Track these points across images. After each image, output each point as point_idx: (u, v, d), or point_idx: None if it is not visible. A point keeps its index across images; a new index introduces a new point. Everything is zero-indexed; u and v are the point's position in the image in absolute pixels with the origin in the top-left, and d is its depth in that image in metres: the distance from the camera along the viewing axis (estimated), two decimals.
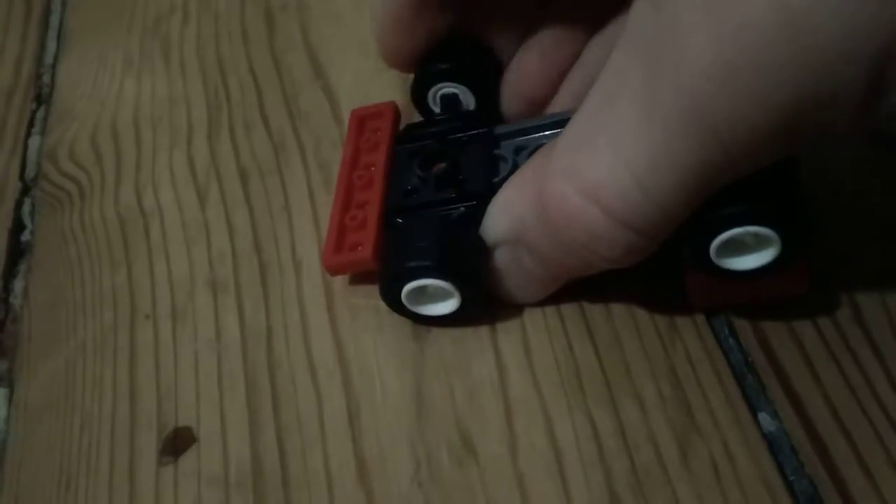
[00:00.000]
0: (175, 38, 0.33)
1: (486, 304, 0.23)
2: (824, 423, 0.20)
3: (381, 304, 0.24)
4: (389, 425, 0.22)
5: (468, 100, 0.25)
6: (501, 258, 0.22)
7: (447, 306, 0.22)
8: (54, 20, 0.36)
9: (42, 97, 0.33)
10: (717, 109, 0.16)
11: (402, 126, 0.26)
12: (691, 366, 0.22)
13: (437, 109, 0.26)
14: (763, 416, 0.21)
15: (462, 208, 0.22)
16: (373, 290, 0.23)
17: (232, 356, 0.24)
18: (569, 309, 0.23)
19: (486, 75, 0.25)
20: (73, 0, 0.36)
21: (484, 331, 0.23)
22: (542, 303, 0.23)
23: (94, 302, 0.26)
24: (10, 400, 0.24)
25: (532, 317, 0.23)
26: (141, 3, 0.35)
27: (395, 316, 0.24)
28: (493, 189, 0.22)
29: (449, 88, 0.25)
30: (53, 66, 0.34)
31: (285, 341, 0.24)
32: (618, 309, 0.23)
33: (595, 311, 0.23)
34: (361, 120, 0.26)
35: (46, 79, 0.33)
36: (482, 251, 0.22)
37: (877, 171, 0.24)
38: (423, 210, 0.23)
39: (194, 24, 0.34)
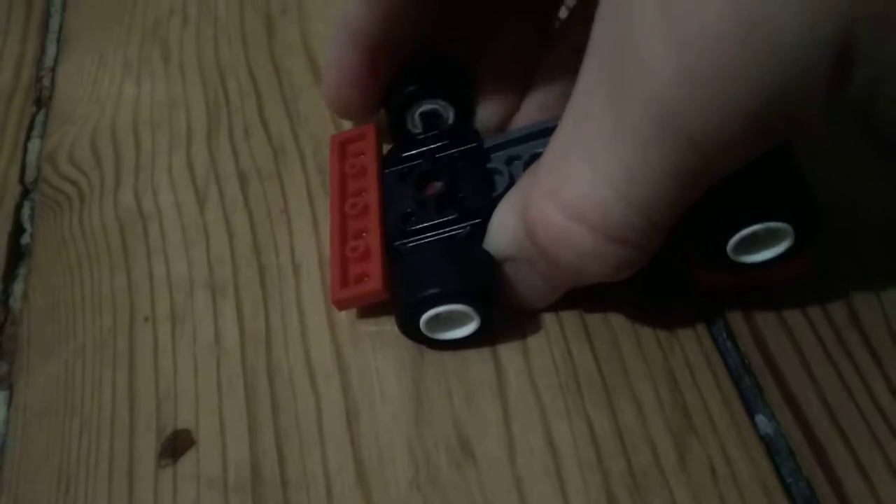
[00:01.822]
0: (174, 42, 0.33)
1: (502, 322, 0.22)
2: (821, 425, 0.20)
3: (380, 307, 0.24)
4: (388, 428, 0.22)
5: (448, 114, 0.25)
6: (507, 271, 0.22)
7: (467, 329, 0.22)
8: (54, 23, 0.36)
9: (42, 100, 0.33)
10: (685, 115, 0.16)
11: (384, 147, 0.25)
12: (689, 369, 0.22)
13: (416, 129, 0.25)
14: (760, 419, 0.21)
15: (467, 228, 0.22)
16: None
17: (231, 359, 0.24)
18: (567, 312, 0.23)
19: (462, 86, 0.25)
20: (73, 3, 0.36)
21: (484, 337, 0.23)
22: None
23: (93, 304, 0.26)
24: (9, 402, 0.24)
25: (530, 320, 0.23)
26: (140, 7, 0.35)
27: (394, 320, 0.24)
28: (493, 204, 0.22)
29: (429, 105, 0.25)
30: (53, 70, 0.34)
31: (284, 344, 0.24)
32: (616, 312, 0.23)
33: (593, 314, 0.23)
34: (342, 144, 0.25)
35: (46, 82, 0.33)
36: (493, 268, 0.22)
37: (874, 175, 0.25)
38: (425, 234, 0.22)
39: (193, 28, 0.34)
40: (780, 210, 0.19)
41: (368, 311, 0.24)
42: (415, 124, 0.25)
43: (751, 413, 0.21)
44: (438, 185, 0.23)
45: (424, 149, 0.24)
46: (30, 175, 0.30)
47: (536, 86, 0.24)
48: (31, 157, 0.31)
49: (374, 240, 0.23)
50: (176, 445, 0.23)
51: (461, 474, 0.21)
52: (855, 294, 0.22)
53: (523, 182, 0.21)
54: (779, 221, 0.19)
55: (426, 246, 0.22)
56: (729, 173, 0.17)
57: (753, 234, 0.19)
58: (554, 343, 0.23)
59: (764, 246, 0.20)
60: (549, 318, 0.23)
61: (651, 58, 0.16)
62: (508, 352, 0.23)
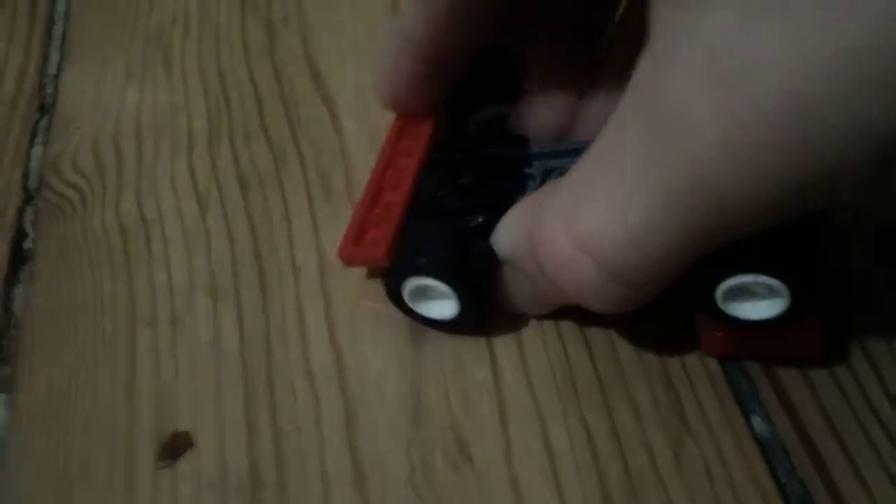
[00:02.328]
0: (176, 49, 0.34)
1: (484, 314, 0.23)
2: (816, 426, 0.21)
3: (380, 309, 0.24)
4: (386, 430, 0.22)
5: (505, 117, 0.25)
6: (506, 273, 0.22)
7: (445, 310, 0.23)
8: (57, 31, 0.36)
9: (45, 107, 0.33)
10: (721, 180, 0.16)
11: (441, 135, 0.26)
12: (685, 370, 0.22)
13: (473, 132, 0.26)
14: (756, 420, 0.21)
15: (479, 219, 0.22)
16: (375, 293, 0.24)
17: (230, 362, 0.24)
18: (564, 314, 0.23)
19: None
20: (76, 11, 0.37)
21: (480, 336, 0.23)
22: None
23: (94, 309, 0.26)
24: (10, 405, 0.25)
25: (527, 322, 0.23)
26: (143, 15, 0.35)
27: (393, 322, 0.24)
28: (513, 204, 0.22)
29: (490, 111, 0.26)
30: (56, 77, 0.34)
31: (284, 347, 0.24)
32: (613, 314, 0.23)
33: (590, 315, 0.23)
34: (403, 125, 0.26)
35: (49, 89, 0.34)
36: (491, 262, 0.22)
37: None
38: (441, 217, 0.23)
39: (195, 36, 0.34)
40: (771, 264, 0.19)
41: (367, 297, 0.24)
42: (473, 129, 0.26)
43: (746, 415, 0.21)
44: (470, 176, 0.24)
45: (475, 144, 0.25)
46: (33, 181, 0.30)
47: (589, 103, 0.24)
48: (35, 164, 0.31)
49: (395, 212, 0.23)
50: (175, 447, 0.23)
51: (458, 476, 0.21)
52: (849, 295, 0.22)
53: (539, 195, 0.21)
54: (769, 276, 0.19)
55: (433, 224, 0.23)
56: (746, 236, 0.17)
57: (750, 288, 0.19)
58: (550, 345, 0.23)
59: (761, 302, 0.19)
60: (545, 320, 0.23)
61: (695, 118, 0.15)
62: (505, 353, 0.23)
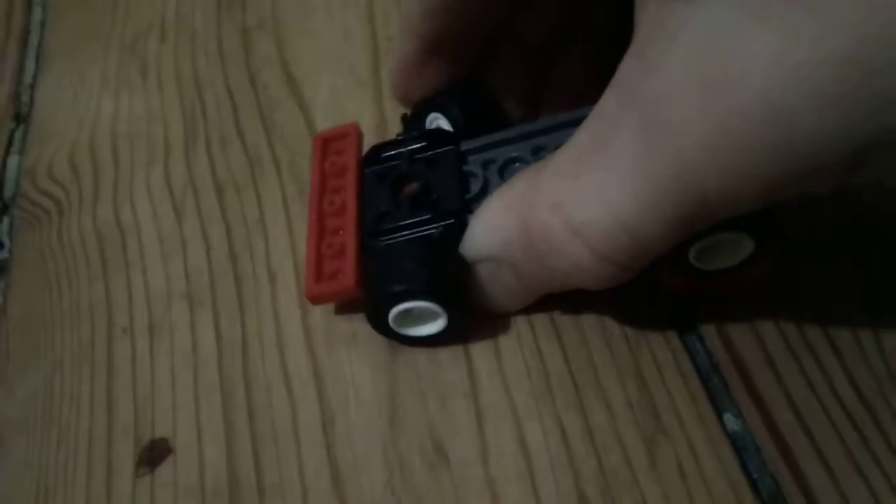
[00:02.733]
0: (152, 57, 0.34)
1: (469, 321, 0.23)
2: (786, 421, 0.21)
3: (355, 314, 0.24)
4: (363, 433, 0.22)
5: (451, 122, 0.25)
6: (481, 272, 0.22)
7: (434, 327, 0.23)
8: (33, 40, 0.36)
9: (21, 116, 0.33)
10: (705, 179, 0.17)
11: (365, 147, 0.25)
12: (657, 368, 0.22)
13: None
14: (727, 416, 0.21)
15: (440, 228, 0.22)
16: (349, 308, 0.24)
17: (208, 368, 0.24)
18: (538, 315, 0.24)
19: (474, 110, 0.25)
20: (51, 20, 0.37)
21: (456, 339, 0.23)
22: None
23: (71, 317, 0.26)
24: None
25: (503, 323, 0.24)
26: (119, 23, 0.35)
27: (368, 326, 0.24)
28: (466, 207, 0.22)
29: (439, 120, 0.25)
30: (32, 86, 0.34)
31: (260, 352, 0.24)
32: (586, 314, 0.23)
33: (564, 316, 0.23)
34: (325, 142, 0.25)
35: (25, 98, 0.34)
36: (464, 270, 0.22)
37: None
38: (399, 232, 0.23)
39: (171, 43, 0.34)
40: (739, 220, 0.19)
41: (344, 309, 0.24)
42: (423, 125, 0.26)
43: (718, 411, 0.21)
44: (414, 185, 0.24)
45: (403, 149, 0.24)
46: (8, 190, 0.30)
47: (550, 94, 0.25)
48: (10, 173, 0.31)
49: (349, 237, 0.23)
50: (153, 454, 0.23)
51: (435, 477, 0.21)
52: (816, 289, 0.23)
53: (519, 185, 0.21)
54: (738, 231, 0.20)
55: (397, 244, 0.23)
56: None
57: (716, 242, 0.20)
58: (525, 345, 0.23)
59: (726, 254, 0.21)
60: (520, 320, 0.23)
61: (680, 119, 0.16)
62: (481, 354, 0.23)
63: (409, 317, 0.22)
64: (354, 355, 0.24)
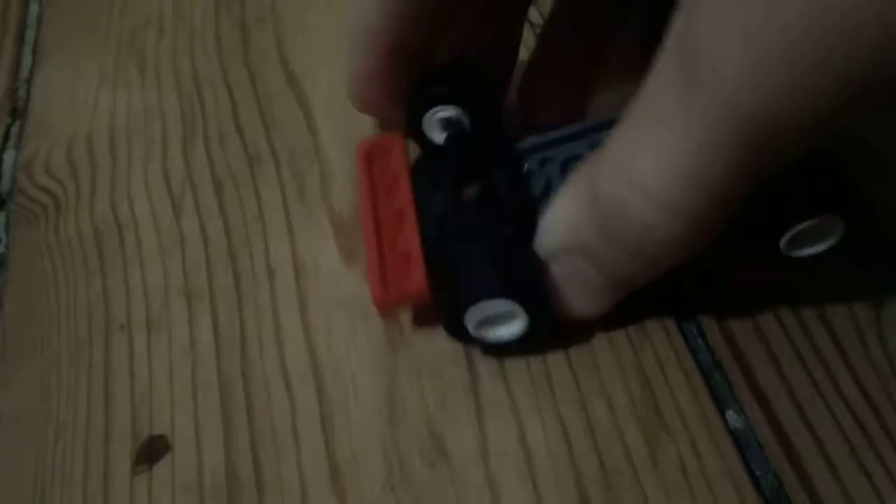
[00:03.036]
0: (150, 52, 0.33)
1: (552, 323, 0.22)
2: (790, 419, 0.21)
3: (355, 310, 0.24)
4: (362, 430, 0.22)
5: (465, 121, 0.25)
6: (558, 272, 0.21)
7: (514, 328, 0.22)
8: (30, 35, 0.36)
9: (17, 111, 0.33)
10: (757, 113, 0.16)
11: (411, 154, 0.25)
12: (660, 365, 0.22)
13: (434, 136, 0.25)
14: (730, 414, 0.21)
15: (509, 228, 0.22)
16: (349, 291, 0.24)
17: (206, 364, 0.24)
18: None
19: (480, 94, 0.25)
20: (49, 15, 0.36)
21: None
22: None
23: (69, 313, 0.26)
24: None
25: None
26: (116, 17, 0.35)
27: (368, 322, 0.24)
28: (532, 206, 0.22)
29: (445, 112, 0.25)
30: (29, 81, 0.34)
31: (259, 349, 0.24)
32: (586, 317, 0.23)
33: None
34: (369, 155, 0.25)
35: (22, 93, 0.33)
36: (541, 268, 0.21)
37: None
38: (465, 236, 0.22)
39: (170, 38, 0.34)
40: (829, 201, 0.19)
41: (344, 306, 0.24)
42: (432, 130, 0.25)
43: (721, 408, 0.21)
44: (475, 187, 0.23)
45: (456, 154, 0.24)
46: (5, 186, 0.30)
47: (592, 96, 0.25)
48: (7, 169, 0.31)
49: (412, 243, 0.22)
50: (151, 451, 0.23)
51: (435, 475, 0.21)
52: (820, 287, 0.23)
53: (583, 171, 0.21)
54: (829, 213, 0.20)
55: (468, 247, 0.22)
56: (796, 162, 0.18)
57: (808, 228, 0.20)
58: None
59: (815, 241, 0.21)
60: None
61: (720, 58, 0.16)
62: (481, 352, 0.23)
63: (489, 320, 0.21)
64: (354, 352, 0.24)
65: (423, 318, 0.24)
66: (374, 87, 0.25)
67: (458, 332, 0.22)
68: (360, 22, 0.24)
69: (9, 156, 0.31)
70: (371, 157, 0.25)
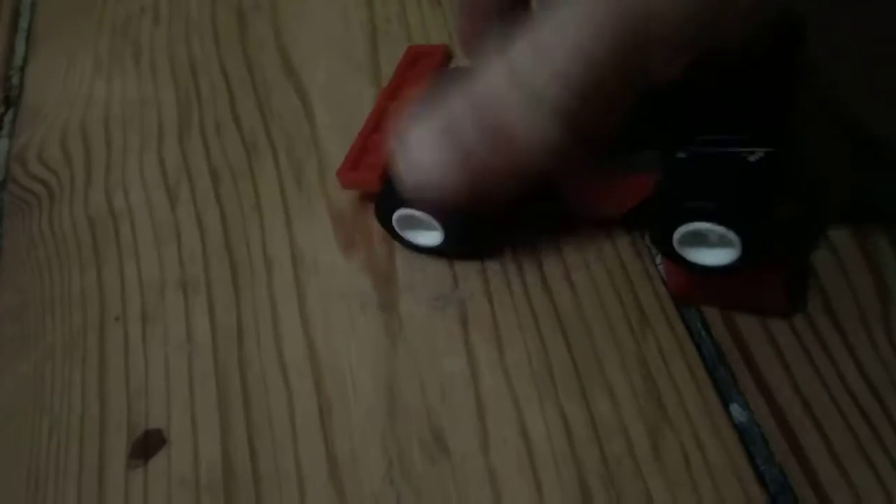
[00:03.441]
0: (145, 40, 0.33)
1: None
2: (794, 413, 0.20)
3: (353, 302, 0.24)
4: (361, 423, 0.22)
5: None
6: (430, 124, 0.20)
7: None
8: (23, 22, 0.35)
9: (11, 100, 0.32)
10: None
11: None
12: (663, 358, 0.22)
13: None
14: (734, 407, 0.21)
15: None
16: (348, 283, 0.23)
17: (203, 357, 0.24)
18: (540, 302, 0.23)
19: None
20: (42, 2, 0.36)
21: (455, 327, 0.23)
22: (513, 298, 0.23)
23: (63, 304, 0.26)
24: None
25: (503, 311, 0.23)
26: (111, 5, 0.35)
27: (367, 314, 0.24)
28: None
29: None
30: (22, 69, 0.33)
31: (256, 341, 0.24)
32: (589, 302, 0.23)
33: (566, 304, 0.23)
34: (415, 57, 0.27)
35: (15, 81, 0.33)
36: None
37: (844, 162, 0.25)
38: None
39: (165, 26, 0.33)
40: (724, 214, 0.19)
41: (343, 303, 0.24)
42: None
43: (725, 402, 0.21)
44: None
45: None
46: None
47: None
48: (0, 158, 0.30)
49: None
50: (147, 445, 0.22)
51: (435, 468, 0.21)
52: (826, 280, 0.22)
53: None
54: (720, 225, 0.19)
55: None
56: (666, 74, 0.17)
57: (705, 234, 0.19)
58: (527, 332, 0.23)
59: (715, 250, 0.20)
60: (521, 307, 0.23)
61: None
62: (481, 344, 0.23)
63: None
64: (353, 344, 0.23)
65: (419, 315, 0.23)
66: (472, 38, 0.24)
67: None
68: None
69: (2, 145, 0.31)
70: (415, 60, 0.26)
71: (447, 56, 0.26)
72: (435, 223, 0.22)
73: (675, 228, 0.20)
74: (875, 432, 0.20)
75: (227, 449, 0.22)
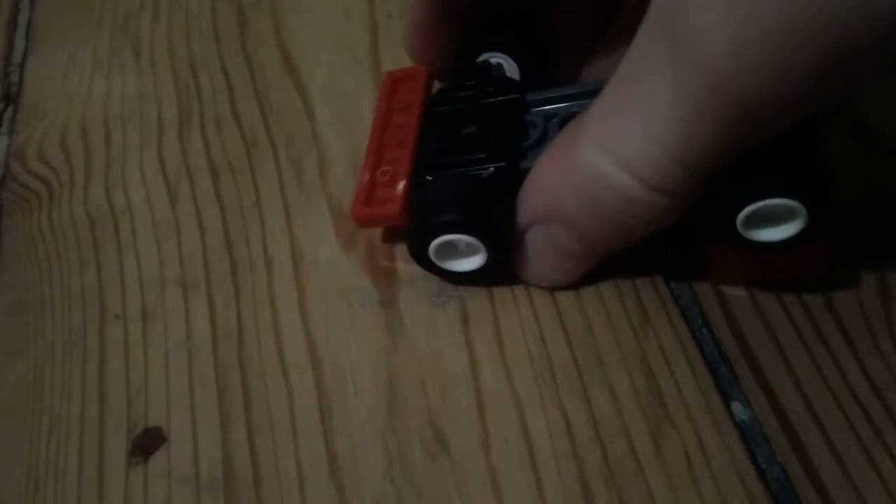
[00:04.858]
0: (145, 36, 0.33)
1: (510, 262, 0.23)
2: (796, 411, 0.20)
3: (354, 299, 0.24)
4: (361, 422, 0.22)
5: (512, 71, 0.25)
6: (534, 239, 0.22)
7: (473, 262, 0.22)
8: (23, 18, 0.35)
9: (10, 96, 0.32)
10: (740, 84, 0.16)
11: (434, 90, 0.26)
12: (664, 356, 0.22)
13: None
14: (736, 406, 0.21)
15: (491, 168, 0.22)
16: (348, 280, 0.23)
17: (202, 355, 0.24)
18: (541, 301, 0.23)
19: (527, 43, 0.25)
20: None
21: (456, 324, 0.23)
22: (514, 295, 0.23)
23: (63, 302, 0.25)
24: None
25: (504, 309, 0.23)
26: (110, 1, 0.35)
27: (368, 311, 0.23)
28: (521, 153, 0.22)
29: (492, 58, 0.25)
30: (22, 65, 0.33)
31: (256, 339, 0.24)
32: (590, 300, 0.23)
33: (567, 302, 0.23)
34: (396, 81, 0.26)
35: (14, 77, 0.33)
36: (509, 208, 0.22)
37: (849, 161, 0.24)
38: (451, 169, 0.23)
39: (165, 22, 0.33)
40: (795, 187, 0.19)
41: (343, 299, 0.24)
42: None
43: (726, 400, 0.21)
44: (472, 126, 0.24)
45: (468, 93, 0.24)
46: None
47: (602, 49, 0.25)
48: (0, 155, 0.30)
49: (403, 169, 0.23)
50: (147, 443, 0.22)
51: (435, 467, 0.21)
52: (829, 279, 0.22)
53: (565, 136, 0.21)
54: (792, 199, 0.19)
55: (445, 178, 0.23)
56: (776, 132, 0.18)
57: (765, 211, 0.19)
58: (528, 331, 0.22)
59: (779, 225, 0.20)
60: (523, 307, 0.23)
61: (704, 27, 0.16)
62: (482, 342, 0.22)
63: (451, 251, 0.22)
64: (353, 342, 0.23)
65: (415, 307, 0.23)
66: (425, 38, 0.25)
67: (421, 257, 0.23)
68: None
69: (1, 142, 0.31)
70: (396, 86, 0.26)
71: (429, 77, 0.26)
72: (476, 243, 0.22)
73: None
74: (877, 431, 0.20)
75: (227, 447, 0.22)
